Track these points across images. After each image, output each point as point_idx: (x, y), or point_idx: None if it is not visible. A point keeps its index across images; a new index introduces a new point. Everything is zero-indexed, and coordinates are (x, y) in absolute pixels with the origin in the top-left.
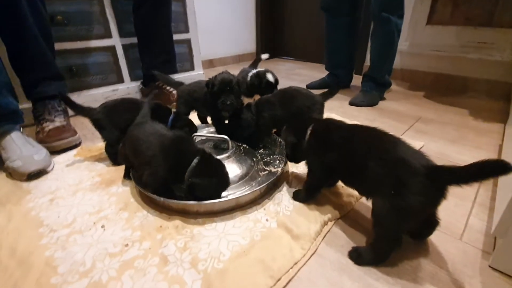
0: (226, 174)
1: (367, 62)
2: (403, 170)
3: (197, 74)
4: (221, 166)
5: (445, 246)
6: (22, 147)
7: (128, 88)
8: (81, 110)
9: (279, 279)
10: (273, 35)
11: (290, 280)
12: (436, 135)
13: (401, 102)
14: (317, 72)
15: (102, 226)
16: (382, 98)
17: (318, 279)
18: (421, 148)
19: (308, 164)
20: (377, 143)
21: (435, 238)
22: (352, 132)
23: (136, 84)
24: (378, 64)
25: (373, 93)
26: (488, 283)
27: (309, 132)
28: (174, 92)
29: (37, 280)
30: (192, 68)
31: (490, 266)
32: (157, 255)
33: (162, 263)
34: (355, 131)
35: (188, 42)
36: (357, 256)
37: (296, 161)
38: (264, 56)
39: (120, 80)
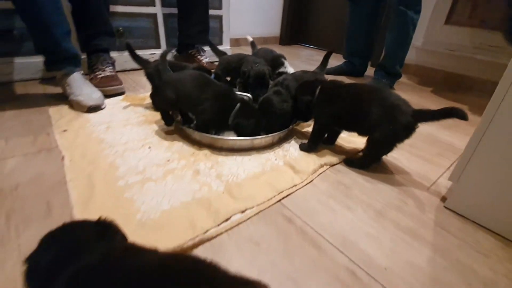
0: (261, 116)
1: None
2: (397, 111)
3: (224, 49)
4: (257, 111)
5: (414, 191)
6: (83, 85)
7: None
8: (140, 61)
9: (281, 192)
10: (298, 21)
11: (289, 194)
12: (432, 122)
13: (408, 93)
14: (335, 61)
15: (149, 147)
16: (392, 88)
17: (310, 198)
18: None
19: (316, 116)
20: (377, 94)
21: (408, 183)
22: (355, 87)
23: (171, 51)
24: (391, 54)
25: (383, 82)
26: (439, 217)
27: (318, 90)
28: (204, 61)
29: (105, 174)
30: (220, 43)
31: (445, 207)
32: (191, 169)
33: (195, 174)
34: (358, 87)
35: (219, 18)
36: (350, 163)
37: (307, 119)
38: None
39: (158, 45)
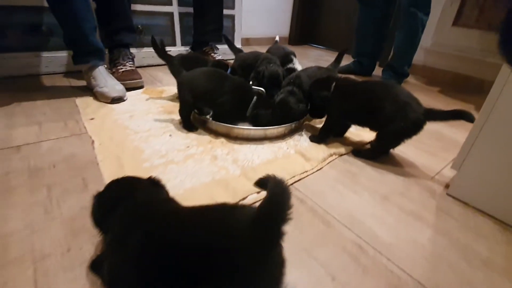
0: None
1: None
2: (408, 109)
3: None
4: (272, 102)
5: (418, 180)
6: (106, 78)
7: (179, 51)
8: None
9: (293, 176)
10: (307, 22)
11: (300, 179)
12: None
13: (416, 93)
14: (344, 61)
15: (170, 135)
16: None
17: (320, 183)
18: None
19: (329, 111)
20: (390, 91)
21: (414, 172)
22: (368, 84)
23: (186, 49)
24: (400, 55)
25: (391, 81)
26: (442, 202)
27: (332, 86)
28: (218, 58)
29: (132, 155)
30: (232, 41)
31: (447, 194)
32: (209, 155)
33: (213, 159)
34: (371, 83)
35: (232, 17)
36: (358, 153)
37: (322, 115)
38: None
39: (174, 43)
